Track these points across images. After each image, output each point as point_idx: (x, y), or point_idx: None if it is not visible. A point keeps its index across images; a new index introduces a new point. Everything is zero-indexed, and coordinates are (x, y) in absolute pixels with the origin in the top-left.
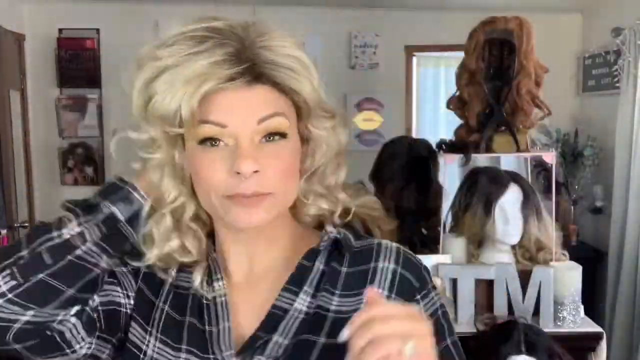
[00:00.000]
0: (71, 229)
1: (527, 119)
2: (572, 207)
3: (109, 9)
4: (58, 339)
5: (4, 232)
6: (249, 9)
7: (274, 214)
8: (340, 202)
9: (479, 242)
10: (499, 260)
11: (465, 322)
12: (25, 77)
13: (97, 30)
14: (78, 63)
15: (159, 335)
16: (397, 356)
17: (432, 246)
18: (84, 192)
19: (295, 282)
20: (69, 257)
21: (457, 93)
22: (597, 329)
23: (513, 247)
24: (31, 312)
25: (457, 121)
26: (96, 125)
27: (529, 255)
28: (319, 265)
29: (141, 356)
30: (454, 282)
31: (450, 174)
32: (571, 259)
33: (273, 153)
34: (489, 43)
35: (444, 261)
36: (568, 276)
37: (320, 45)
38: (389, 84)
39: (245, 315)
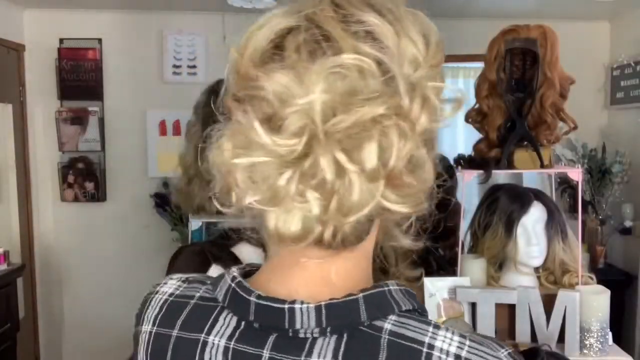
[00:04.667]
0: None
1: (552, 133)
2: (600, 227)
3: (112, 18)
4: None
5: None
6: (257, 18)
7: None
8: None
9: (499, 264)
10: (521, 284)
11: None
12: (24, 89)
13: (99, 40)
14: (79, 74)
15: None
16: None
17: (449, 268)
18: (84, 210)
19: None
20: None
21: (477, 105)
22: (626, 357)
23: (536, 269)
24: None
25: (477, 135)
26: (97, 139)
27: (553, 278)
28: None
29: None
30: (473, 306)
31: (469, 191)
32: (599, 282)
33: None
34: (511, 53)
35: (462, 284)
36: (595, 301)
37: None
38: None
39: None
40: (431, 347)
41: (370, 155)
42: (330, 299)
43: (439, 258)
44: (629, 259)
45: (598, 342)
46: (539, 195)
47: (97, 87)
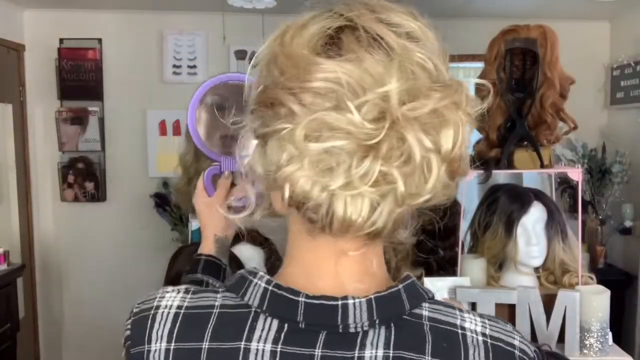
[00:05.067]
0: None
1: (552, 133)
2: (600, 227)
3: (112, 18)
4: None
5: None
6: (257, 18)
7: None
8: None
9: (499, 264)
10: (521, 284)
11: None
12: (24, 89)
13: (100, 40)
14: (79, 74)
15: None
16: None
17: (449, 268)
18: (84, 210)
19: None
20: None
21: None
22: (626, 357)
23: (536, 269)
24: None
25: (476, 135)
26: (98, 139)
27: (553, 278)
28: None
29: None
30: (473, 306)
31: (469, 191)
32: (599, 282)
33: None
34: (511, 53)
35: (462, 284)
36: (595, 301)
37: None
38: None
39: None
40: (463, 328)
41: (447, 138)
42: (377, 292)
43: (439, 258)
44: (629, 259)
45: (598, 342)
46: (539, 195)
47: (97, 87)
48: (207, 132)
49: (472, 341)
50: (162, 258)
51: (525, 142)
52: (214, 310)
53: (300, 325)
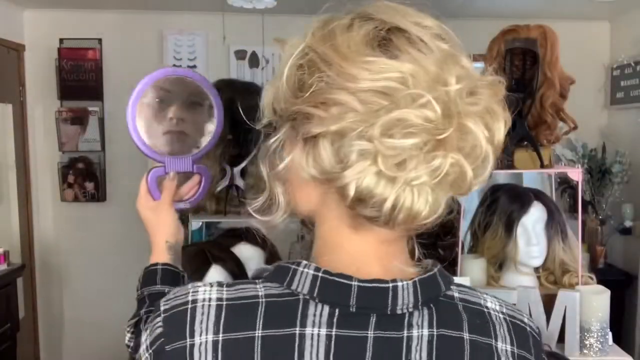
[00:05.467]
0: None
1: (552, 133)
2: (600, 227)
3: (112, 18)
4: None
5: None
6: (257, 18)
7: None
8: None
9: (499, 264)
10: (521, 284)
11: None
12: (24, 89)
13: (100, 40)
14: (79, 74)
15: None
16: None
17: (449, 268)
18: (84, 210)
19: None
20: None
21: None
22: (626, 357)
23: (536, 269)
24: None
25: None
26: (98, 139)
27: (553, 278)
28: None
29: None
30: None
31: None
32: (599, 282)
33: None
34: (511, 53)
35: (462, 284)
36: (595, 301)
37: None
38: None
39: None
40: (487, 307)
41: (499, 130)
42: (419, 275)
43: (439, 258)
44: (629, 259)
45: (598, 342)
46: (539, 195)
47: (97, 87)
48: (150, 129)
49: (496, 318)
50: None
51: (525, 142)
52: (260, 300)
53: (351, 309)
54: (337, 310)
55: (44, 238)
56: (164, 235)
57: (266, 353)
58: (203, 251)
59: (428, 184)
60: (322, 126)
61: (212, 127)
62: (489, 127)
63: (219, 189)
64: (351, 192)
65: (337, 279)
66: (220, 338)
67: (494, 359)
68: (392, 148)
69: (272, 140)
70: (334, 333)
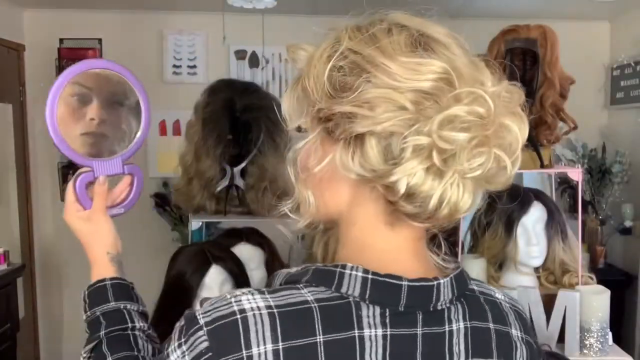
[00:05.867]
0: None
1: (552, 133)
2: (600, 227)
3: (112, 18)
4: None
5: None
6: (257, 18)
7: None
8: None
9: (499, 264)
10: (521, 284)
11: None
12: (24, 89)
13: (99, 40)
14: None
15: None
16: None
17: None
18: None
19: None
20: None
21: None
22: (626, 357)
23: (536, 269)
24: None
25: None
26: None
27: (553, 278)
28: None
29: None
30: None
31: None
32: (599, 282)
33: None
34: (511, 53)
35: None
36: (595, 301)
37: None
38: None
39: None
40: (497, 298)
41: (525, 130)
42: (452, 273)
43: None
44: (629, 259)
45: (598, 342)
46: (539, 195)
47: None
48: (66, 130)
49: (505, 307)
50: (162, 258)
51: (526, 142)
52: (312, 305)
53: (400, 309)
54: (387, 310)
55: (44, 238)
56: (103, 247)
57: (329, 357)
58: (203, 251)
59: (474, 177)
60: (369, 125)
61: (139, 124)
62: (519, 126)
63: (219, 189)
64: (402, 188)
65: (387, 279)
66: (281, 347)
67: (512, 345)
68: (449, 141)
69: (304, 142)
70: (389, 333)
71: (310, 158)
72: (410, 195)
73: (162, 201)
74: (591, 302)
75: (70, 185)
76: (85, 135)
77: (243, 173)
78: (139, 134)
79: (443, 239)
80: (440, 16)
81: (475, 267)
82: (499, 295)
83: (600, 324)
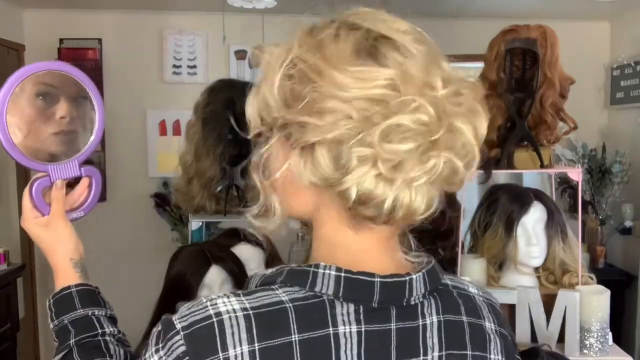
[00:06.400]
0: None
1: (552, 133)
2: (600, 227)
3: (112, 18)
4: None
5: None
6: (257, 18)
7: None
8: None
9: (499, 264)
10: (521, 284)
11: None
12: None
13: (100, 40)
14: None
15: None
16: None
17: (449, 268)
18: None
19: None
20: None
21: None
22: (626, 357)
23: (536, 269)
24: None
25: None
26: None
27: (553, 278)
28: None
29: None
30: None
31: (469, 191)
32: (599, 282)
33: None
34: (511, 53)
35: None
36: (595, 301)
37: None
38: None
39: None
40: (471, 292)
41: (482, 125)
42: (423, 268)
43: (439, 258)
44: (629, 259)
45: (598, 342)
46: (539, 195)
47: (97, 87)
48: (35, 130)
49: (478, 300)
50: (162, 258)
51: (525, 142)
52: (287, 305)
53: (373, 305)
54: (361, 307)
55: None
56: (65, 253)
57: (305, 356)
58: (203, 251)
59: (424, 182)
60: (318, 134)
61: (94, 125)
62: (474, 124)
63: (219, 189)
64: (353, 195)
65: (360, 277)
66: (257, 347)
67: (486, 337)
68: (391, 152)
69: (263, 149)
70: (363, 329)
71: (272, 164)
72: (363, 201)
73: (162, 201)
74: (591, 302)
75: (26, 191)
76: (56, 134)
77: (243, 173)
78: (92, 137)
79: (409, 233)
80: (417, 15)
81: (475, 267)
82: (472, 289)
83: (600, 324)
